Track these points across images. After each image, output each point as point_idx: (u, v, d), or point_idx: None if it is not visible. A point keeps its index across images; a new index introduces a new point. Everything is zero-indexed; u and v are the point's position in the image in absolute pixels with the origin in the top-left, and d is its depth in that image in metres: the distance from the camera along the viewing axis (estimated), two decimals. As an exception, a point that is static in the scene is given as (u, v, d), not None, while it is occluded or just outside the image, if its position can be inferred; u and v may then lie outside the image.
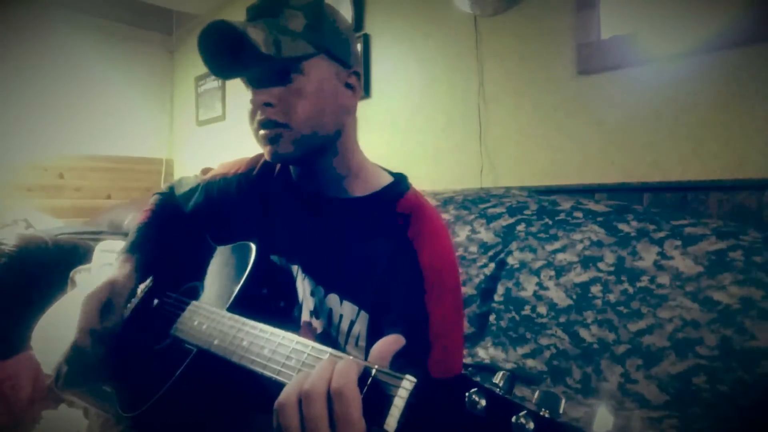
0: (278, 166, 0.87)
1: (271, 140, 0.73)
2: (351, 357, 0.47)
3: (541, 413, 0.35)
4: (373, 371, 0.44)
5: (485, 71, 1.67)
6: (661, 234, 1.04)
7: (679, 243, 1.00)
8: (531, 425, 0.34)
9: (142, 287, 0.90)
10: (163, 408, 0.66)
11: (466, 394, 0.37)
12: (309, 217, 0.81)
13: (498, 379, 0.38)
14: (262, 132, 0.73)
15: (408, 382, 0.41)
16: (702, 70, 1.20)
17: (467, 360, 1.17)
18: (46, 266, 1.75)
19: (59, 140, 2.86)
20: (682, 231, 1.03)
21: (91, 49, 3.00)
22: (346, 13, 2.11)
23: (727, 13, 1.14)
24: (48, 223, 2.39)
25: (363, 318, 0.72)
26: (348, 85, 0.76)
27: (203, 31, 0.70)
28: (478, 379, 0.40)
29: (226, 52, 0.72)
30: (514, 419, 0.35)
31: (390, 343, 0.47)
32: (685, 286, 0.95)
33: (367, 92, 2.06)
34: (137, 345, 0.80)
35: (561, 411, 0.35)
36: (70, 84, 2.92)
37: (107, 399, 0.78)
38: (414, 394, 0.40)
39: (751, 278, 0.90)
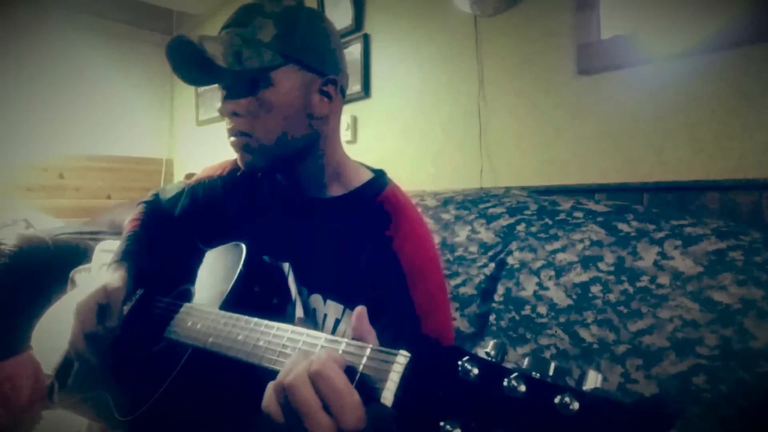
0: None
1: (241, 148, 0.75)
2: (347, 341, 0.47)
3: (533, 375, 0.36)
4: (368, 350, 0.44)
5: (485, 71, 1.67)
6: (661, 234, 1.04)
7: (679, 243, 1.00)
8: (522, 387, 0.34)
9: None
10: (160, 411, 0.66)
11: (459, 362, 0.37)
12: (291, 217, 0.81)
13: (490, 347, 0.39)
14: (231, 139, 0.75)
15: (402, 357, 0.42)
16: (702, 70, 1.20)
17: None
18: (46, 266, 1.75)
19: (59, 140, 2.86)
20: (682, 231, 1.02)
21: (91, 49, 3.00)
22: (346, 12, 2.11)
23: (727, 13, 1.14)
24: (48, 223, 2.40)
25: (349, 316, 0.72)
26: (323, 93, 0.75)
27: (168, 47, 0.71)
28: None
29: (194, 63, 0.72)
30: (505, 382, 0.35)
31: (362, 317, 0.48)
32: (685, 286, 0.95)
33: (367, 92, 2.05)
34: (131, 350, 0.79)
35: (551, 374, 0.36)
36: (70, 84, 2.91)
37: (102, 409, 0.78)
38: (409, 368, 0.41)
39: (751, 278, 0.90)
